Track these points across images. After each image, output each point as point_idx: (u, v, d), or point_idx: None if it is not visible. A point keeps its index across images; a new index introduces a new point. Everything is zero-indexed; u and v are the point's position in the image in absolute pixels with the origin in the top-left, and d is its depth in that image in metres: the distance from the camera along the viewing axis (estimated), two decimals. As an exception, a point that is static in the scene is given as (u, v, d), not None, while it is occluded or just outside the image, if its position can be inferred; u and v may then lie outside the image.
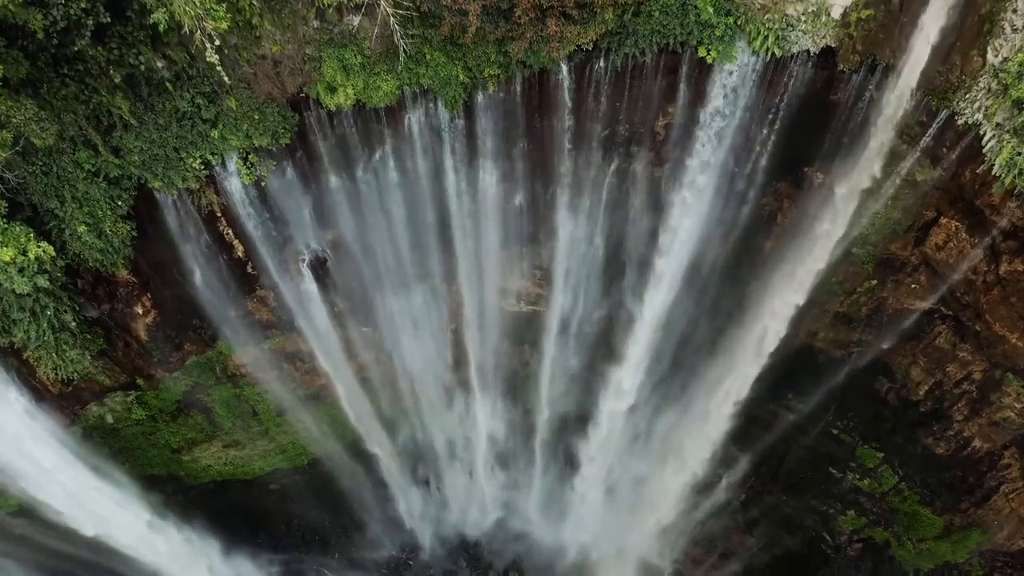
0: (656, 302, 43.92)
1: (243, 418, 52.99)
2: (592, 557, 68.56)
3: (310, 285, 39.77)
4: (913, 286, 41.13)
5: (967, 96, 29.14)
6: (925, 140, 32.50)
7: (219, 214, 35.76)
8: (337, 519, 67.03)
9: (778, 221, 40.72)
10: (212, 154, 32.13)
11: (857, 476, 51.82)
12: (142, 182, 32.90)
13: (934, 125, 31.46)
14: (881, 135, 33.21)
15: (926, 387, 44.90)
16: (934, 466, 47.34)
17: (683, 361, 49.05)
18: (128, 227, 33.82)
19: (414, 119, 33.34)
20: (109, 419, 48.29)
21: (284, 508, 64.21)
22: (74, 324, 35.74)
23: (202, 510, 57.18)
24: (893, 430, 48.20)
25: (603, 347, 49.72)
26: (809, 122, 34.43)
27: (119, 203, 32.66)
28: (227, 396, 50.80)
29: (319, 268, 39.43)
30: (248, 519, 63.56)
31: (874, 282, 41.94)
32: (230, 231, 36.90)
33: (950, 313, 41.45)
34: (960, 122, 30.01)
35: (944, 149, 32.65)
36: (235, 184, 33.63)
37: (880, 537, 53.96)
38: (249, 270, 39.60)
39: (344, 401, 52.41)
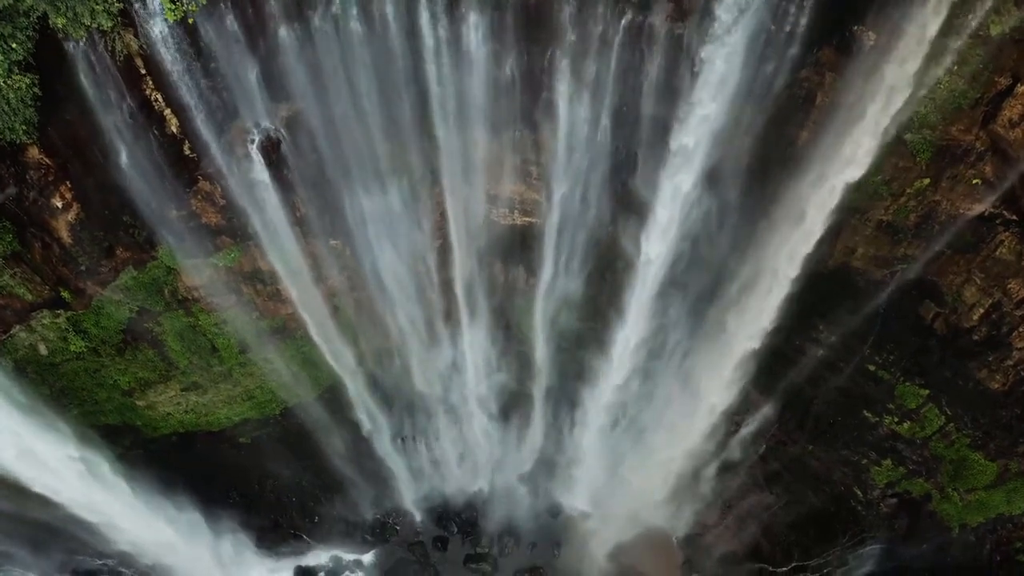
0: (672, 206, 37.44)
1: (201, 354, 46.87)
2: (594, 519, 62.35)
3: (261, 174, 33.41)
4: (975, 181, 35.41)
5: None
6: (1010, -33, 26.11)
7: (143, 71, 29.27)
8: (316, 477, 61.08)
9: (817, 102, 34.73)
10: (127, -18, 25.53)
11: (896, 419, 45.95)
12: (43, 21, 26.22)
13: (1026, -60, 25.05)
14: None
15: (981, 310, 39.61)
16: (988, 403, 41.80)
17: (700, 282, 42.52)
18: (28, 80, 27.56)
19: (380, -56, 26.78)
20: (43, 349, 42.11)
21: (257, 465, 58.31)
22: (-30, 209, 29.29)
23: (165, 466, 50.83)
24: (940, 363, 42.77)
25: (609, 268, 43.31)
26: (864, -42, 28.06)
27: (13, 45, 26.41)
28: (180, 327, 44.69)
29: (272, 152, 32.88)
30: (218, 477, 57.21)
31: (926, 181, 36.18)
32: (159, 96, 30.47)
33: (1014, 217, 36.22)
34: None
35: (1035, -22, 26.38)
36: (159, 27, 27.03)
37: (919, 490, 48.09)
38: (187, 152, 33.18)
39: (314, 335, 46.08)
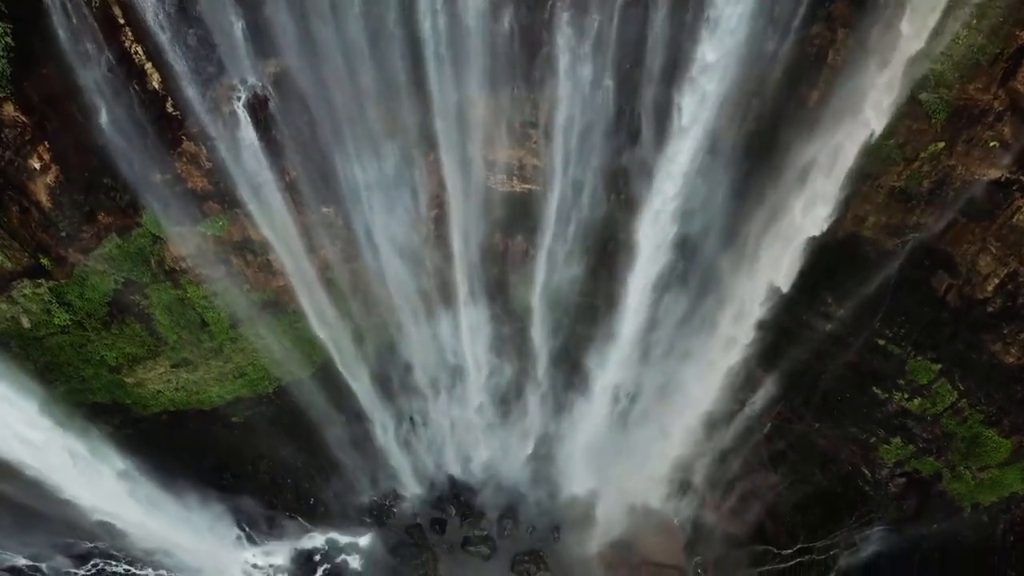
0: (675, 175, 36.01)
1: (190, 329, 45.49)
2: (595, 502, 61.10)
3: (248, 134, 31.76)
4: (992, 144, 34.07)
5: None
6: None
7: (122, 21, 27.70)
8: (311, 458, 59.73)
9: (829, 60, 33.40)
10: (100, -80, 24.00)
11: (906, 396, 44.68)
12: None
13: None
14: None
15: (996, 280, 38.36)
16: (1002, 378, 40.45)
17: (707, 255, 41.18)
18: (0, 28, 25.65)
19: None
20: (25, 322, 40.68)
21: (251, 445, 57.04)
22: (-60, 167, 27.81)
23: (156, 446, 49.53)
24: (953, 336, 41.46)
25: (611, 239, 41.90)
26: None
27: (-18, -11, 24.56)
28: (168, 300, 43.29)
29: (259, 111, 31.36)
30: (210, 458, 55.95)
31: (941, 144, 34.79)
32: (139, 49, 29.00)
33: (1033, 182, 33.87)
34: None
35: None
36: (136, -29, 25.56)
37: (929, 469, 46.84)
38: (170, 109, 31.66)
39: (307, 309, 44.63)
